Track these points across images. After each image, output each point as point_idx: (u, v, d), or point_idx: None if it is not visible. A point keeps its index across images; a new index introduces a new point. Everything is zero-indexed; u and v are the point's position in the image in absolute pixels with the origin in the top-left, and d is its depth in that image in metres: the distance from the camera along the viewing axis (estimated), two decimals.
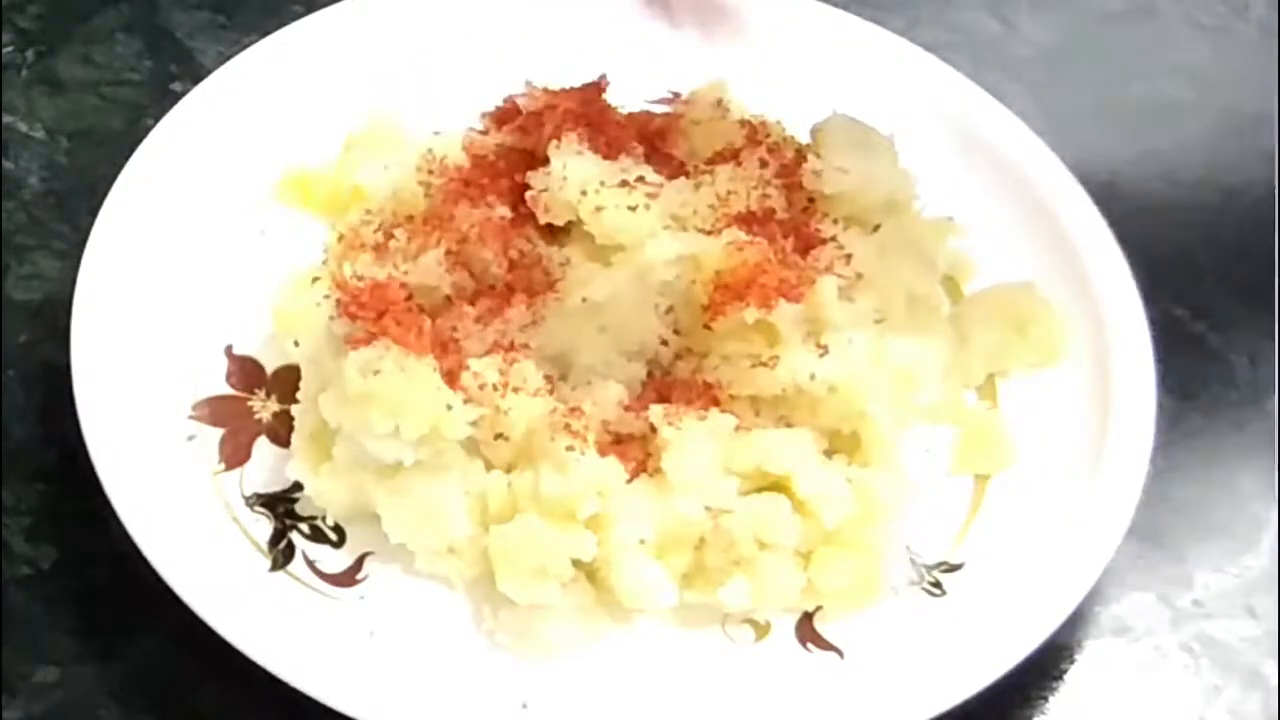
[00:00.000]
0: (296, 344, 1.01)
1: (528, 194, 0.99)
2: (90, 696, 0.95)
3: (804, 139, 1.06)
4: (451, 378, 0.94)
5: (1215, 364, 1.15)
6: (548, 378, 0.97)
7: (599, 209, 0.96)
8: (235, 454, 1.00)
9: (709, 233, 0.97)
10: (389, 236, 1.01)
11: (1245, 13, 1.37)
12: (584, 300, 0.97)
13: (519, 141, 1.02)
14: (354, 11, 1.19)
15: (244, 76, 1.15)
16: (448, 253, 0.98)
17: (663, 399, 0.96)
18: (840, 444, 0.98)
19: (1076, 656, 1.00)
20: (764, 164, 1.02)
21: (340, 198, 1.09)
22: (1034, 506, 1.01)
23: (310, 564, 0.97)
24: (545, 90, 1.03)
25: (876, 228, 1.02)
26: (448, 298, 0.98)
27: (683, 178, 1.01)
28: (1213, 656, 1.02)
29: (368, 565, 0.97)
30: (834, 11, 1.22)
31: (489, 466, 0.96)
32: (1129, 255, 1.10)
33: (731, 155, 1.03)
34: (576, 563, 0.93)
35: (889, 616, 0.97)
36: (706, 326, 0.96)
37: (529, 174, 0.99)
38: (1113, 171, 1.20)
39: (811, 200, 1.02)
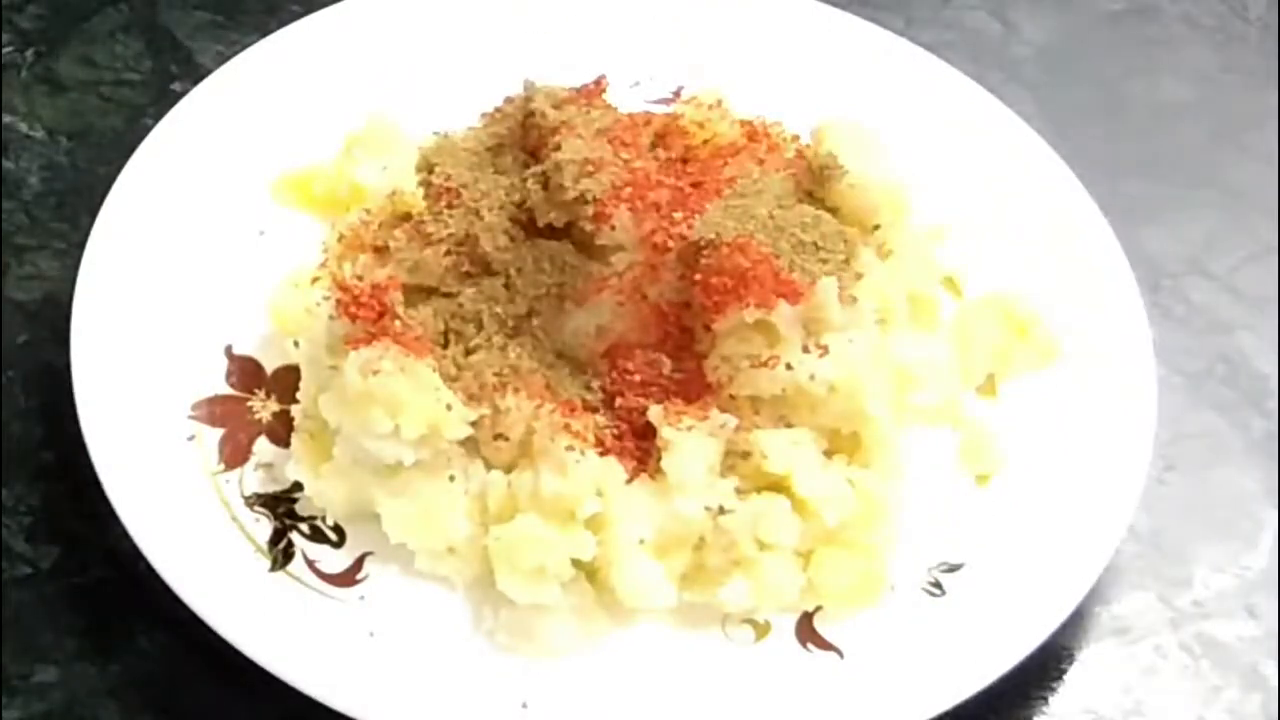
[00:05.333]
0: (296, 344, 1.01)
1: (528, 193, 0.99)
2: (90, 696, 0.95)
3: (804, 139, 1.06)
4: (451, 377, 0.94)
5: (1216, 364, 1.15)
6: (546, 378, 0.97)
7: None
8: (235, 454, 1.00)
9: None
10: (389, 236, 1.01)
11: (1245, 13, 1.37)
12: (584, 300, 0.97)
13: (519, 141, 1.02)
14: (354, 11, 1.19)
15: (244, 76, 1.15)
16: (447, 253, 0.98)
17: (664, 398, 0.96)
18: (840, 444, 0.98)
19: (1076, 656, 1.00)
20: (763, 163, 1.03)
21: (339, 198, 1.09)
22: (1034, 506, 1.01)
23: (310, 564, 0.97)
24: (545, 90, 1.03)
25: (876, 228, 1.02)
26: (447, 296, 0.98)
27: None
28: (1213, 656, 1.02)
29: (368, 565, 0.97)
30: (834, 11, 1.22)
31: (489, 466, 0.96)
32: (1129, 254, 1.10)
33: (731, 155, 1.04)
34: (576, 563, 0.93)
35: (889, 616, 0.97)
36: (706, 327, 0.96)
37: (528, 173, 0.99)
38: (1113, 171, 1.20)
39: (810, 195, 1.02)
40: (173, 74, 1.24)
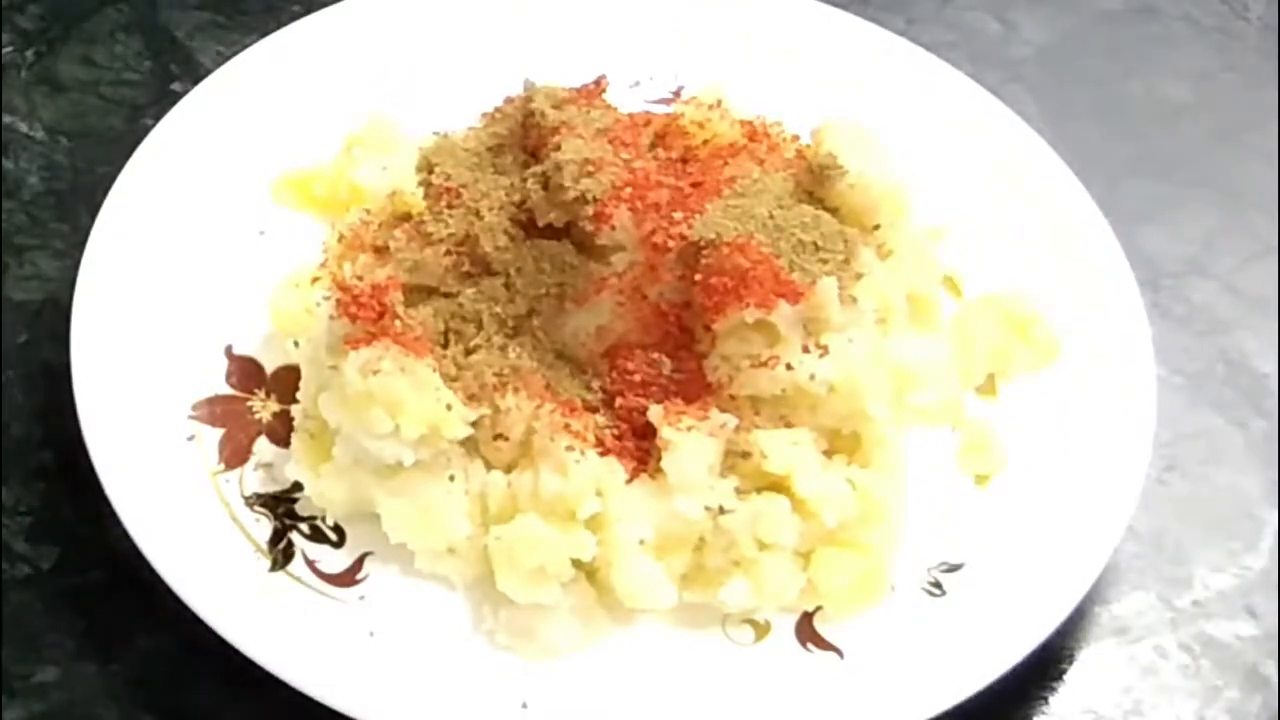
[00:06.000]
0: (296, 344, 1.01)
1: (528, 193, 0.99)
2: (90, 696, 0.95)
3: (804, 139, 1.06)
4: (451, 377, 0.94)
5: (1216, 364, 1.15)
6: (546, 378, 0.97)
7: None
8: (235, 454, 1.00)
9: None
10: (389, 236, 1.01)
11: (1245, 13, 1.37)
12: (584, 300, 0.97)
13: (519, 141, 1.02)
14: (354, 11, 1.19)
15: (244, 76, 1.15)
16: (447, 253, 0.98)
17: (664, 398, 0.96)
18: (840, 444, 0.98)
19: (1076, 656, 1.00)
20: (763, 163, 1.03)
21: (339, 198, 1.09)
22: (1034, 506, 1.01)
23: (310, 564, 0.97)
24: (545, 90, 1.03)
25: (876, 228, 1.02)
26: (447, 296, 0.98)
27: None
28: (1213, 656, 1.02)
29: (368, 565, 0.97)
30: (834, 11, 1.22)
31: (489, 466, 0.96)
32: (1129, 255, 1.10)
33: (731, 155, 1.04)
34: (576, 563, 0.93)
35: (889, 616, 0.97)
36: (706, 327, 0.96)
37: (528, 173, 0.99)
38: (1113, 171, 1.20)
39: (810, 195, 1.02)
40: (173, 74, 1.24)
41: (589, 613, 0.95)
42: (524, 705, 0.92)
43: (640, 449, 0.96)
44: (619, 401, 0.97)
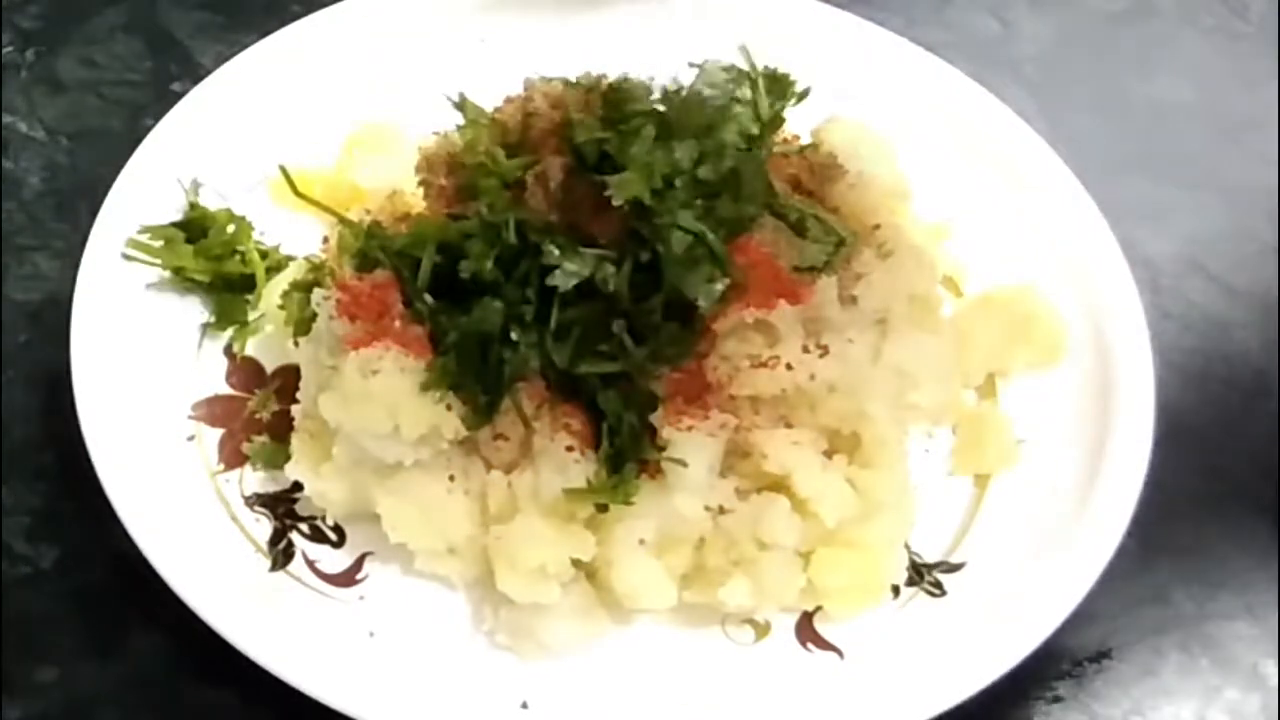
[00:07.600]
0: (296, 344, 1.01)
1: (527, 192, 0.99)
2: (90, 696, 0.95)
3: (804, 139, 1.06)
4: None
5: (1216, 364, 1.15)
6: (545, 376, 0.97)
7: None
8: (235, 454, 1.00)
9: None
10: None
11: (1245, 13, 1.37)
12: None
13: (519, 140, 1.02)
14: (354, 11, 1.19)
15: (243, 76, 1.15)
16: None
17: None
18: (840, 444, 0.98)
19: (1076, 657, 1.00)
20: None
21: (339, 198, 1.09)
22: (1034, 506, 1.01)
23: (310, 564, 0.97)
24: (545, 90, 1.03)
25: (876, 227, 1.02)
26: None
27: None
28: (1213, 656, 1.02)
29: (368, 565, 0.97)
30: (834, 11, 1.22)
31: (489, 466, 0.96)
32: (1129, 255, 1.10)
33: None
34: (576, 563, 0.93)
35: (889, 616, 0.97)
36: (707, 327, 0.96)
37: (528, 173, 0.99)
38: (1113, 171, 1.20)
39: (810, 195, 1.02)
40: (173, 74, 1.24)
41: (589, 613, 0.95)
42: (524, 705, 0.92)
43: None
44: None
